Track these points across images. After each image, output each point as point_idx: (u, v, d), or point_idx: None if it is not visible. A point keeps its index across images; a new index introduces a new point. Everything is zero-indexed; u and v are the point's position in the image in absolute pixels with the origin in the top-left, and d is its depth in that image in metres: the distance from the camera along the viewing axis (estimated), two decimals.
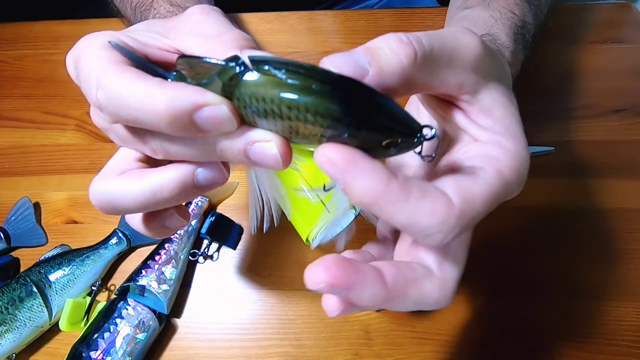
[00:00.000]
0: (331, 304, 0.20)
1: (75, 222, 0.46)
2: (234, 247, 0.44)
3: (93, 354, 0.35)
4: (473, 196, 0.18)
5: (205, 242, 0.44)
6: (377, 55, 0.17)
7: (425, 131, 0.17)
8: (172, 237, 0.42)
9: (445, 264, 0.21)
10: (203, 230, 0.43)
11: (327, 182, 0.31)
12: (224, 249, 0.44)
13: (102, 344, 0.36)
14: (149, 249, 0.44)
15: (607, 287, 0.40)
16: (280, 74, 0.16)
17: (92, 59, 0.18)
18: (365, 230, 0.43)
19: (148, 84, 0.16)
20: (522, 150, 0.20)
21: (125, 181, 0.19)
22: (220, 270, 0.43)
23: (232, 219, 0.45)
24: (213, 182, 0.20)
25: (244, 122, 0.17)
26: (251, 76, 0.16)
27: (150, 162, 0.21)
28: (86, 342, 0.36)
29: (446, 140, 0.24)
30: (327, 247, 0.43)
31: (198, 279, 0.43)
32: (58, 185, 0.48)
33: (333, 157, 0.16)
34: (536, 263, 0.41)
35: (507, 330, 0.38)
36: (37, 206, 0.47)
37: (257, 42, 0.56)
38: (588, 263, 0.41)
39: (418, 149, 0.18)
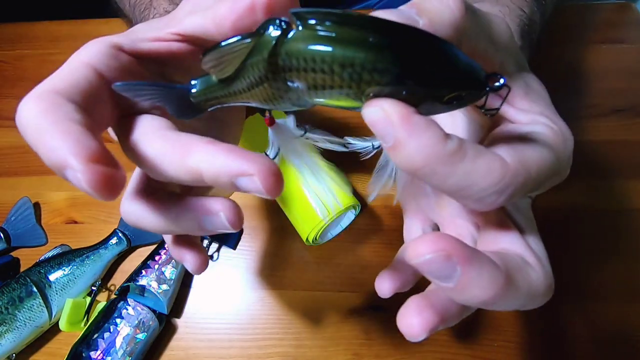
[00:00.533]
0: (416, 322, 0.17)
1: (75, 222, 0.46)
2: (234, 247, 0.44)
3: (93, 354, 0.35)
4: (527, 159, 0.17)
5: (205, 242, 0.44)
6: (424, 6, 0.16)
7: (493, 81, 0.15)
8: None
9: (533, 245, 0.20)
10: None
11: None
12: (224, 249, 0.44)
13: (102, 344, 0.36)
14: (149, 249, 0.44)
15: (607, 288, 0.40)
16: (331, 28, 0.13)
17: (45, 80, 0.18)
18: (366, 230, 0.44)
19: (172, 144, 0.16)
20: (565, 129, 0.20)
21: (145, 209, 0.20)
22: (220, 270, 0.43)
23: None
24: (220, 228, 0.19)
25: (289, 89, 0.15)
26: (298, 35, 0.14)
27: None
28: (86, 342, 0.36)
29: (485, 128, 0.24)
30: (327, 247, 0.43)
31: (198, 279, 0.43)
32: (58, 185, 0.48)
33: (389, 109, 0.14)
34: None
35: (507, 330, 0.38)
36: (37, 206, 0.47)
37: None
38: (587, 263, 0.41)
39: (481, 101, 0.17)
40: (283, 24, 0.14)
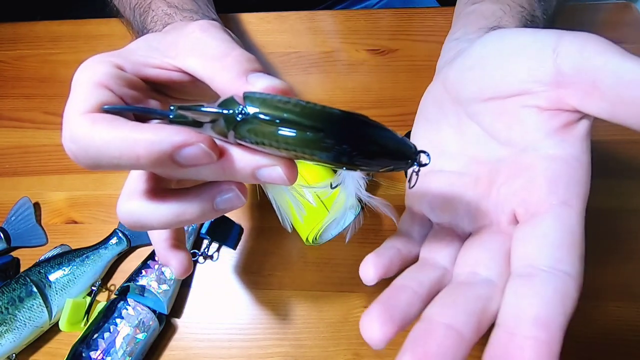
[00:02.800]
0: (378, 333, 0.22)
1: (75, 222, 0.46)
2: (234, 247, 0.44)
3: (93, 354, 0.35)
4: None
5: (205, 242, 0.44)
6: None
7: (422, 159, 0.19)
8: None
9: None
10: (203, 231, 0.43)
11: (333, 180, 0.32)
12: (224, 249, 0.44)
13: (102, 344, 0.36)
14: (149, 249, 0.44)
15: (607, 288, 0.40)
16: (276, 122, 0.17)
17: (69, 104, 0.18)
18: (366, 230, 0.43)
19: (124, 131, 0.17)
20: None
21: (150, 205, 0.20)
22: (220, 270, 0.43)
23: (232, 219, 0.45)
24: (231, 207, 0.21)
25: (286, 160, 0.19)
26: (254, 123, 0.17)
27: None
28: (86, 342, 0.36)
29: None
30: (327, 247, 0.43)
31: (198, 279, 0.43)
32: (58, 185, 0.48)
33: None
34: None
35: None
36: (37, 206, 0.47)
37: (257, 44, 0.56)
38: (587, 263, 0.41)
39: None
40: (242, 113, 0.17)
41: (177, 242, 0.26)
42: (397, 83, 0.52)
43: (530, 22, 0.34)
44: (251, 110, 0.17)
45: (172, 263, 0.25)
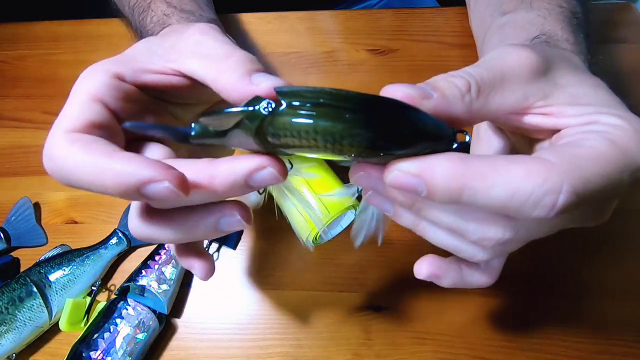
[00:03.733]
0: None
1: (75, 222, 0.46)
2: (234, 247, 0.44)
3: (93, 354, 0.35)
4: (576, 157, 0.17)
5: (205, 242, 0.44)
6: (436, 84, 0.18)
7: (459, 137, 0.18)
8: None
9: None
10: None
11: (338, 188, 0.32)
12: (224, 249, 0.44)
13: (102, 344, 0.36)
14: (149, 249, 0.44)
15: (607, 288, 0.40)
16: (312, 108, 0.16)
17: (58, 118, 0.19)
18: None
19: (95, 158, 0.17)
20: (630, 118, 0.18)
21: (165, 224, 0.20)
22: (220, 270, 0.43)
23: None
24: (235, 228, 0.20)
25: (274, 156, 0.18)
26: (284, 113, 0.16)
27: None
28: (86, 342, 0.36)
29: (521, 151, 0.24)
30: (327, 247, 0.43)
31: (198, 279, 0.43)
32: (58, 185, 0.48)
33: (407, 168, 0.17)
34: (537, 264, 0.41)
35: (507, 330, 0.38)
36: (37, 206, 0.47)
37: (257, 44, 0.56)
38: (588, 263, 0.41)
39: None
40: (271, 105, 0.16)
41: (194, 244, 0.26)
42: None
43: (574, 18, 0.32)
44: (284, 102, 0.16)
45: (195, 266, 0.25)
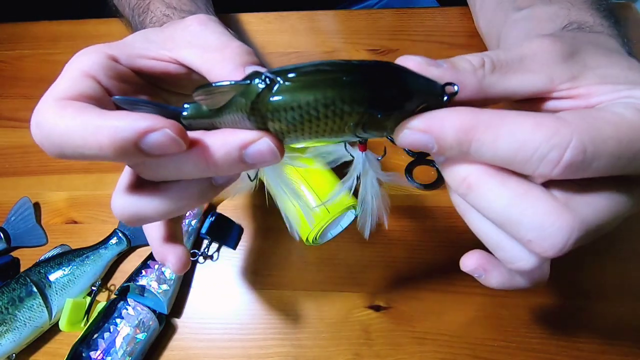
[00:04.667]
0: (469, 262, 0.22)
1: (75, 222, 0.46)
2: (234, 247, 0.44)
3: (93, 354, 0.35)
4: (595, 118, 0.16)
5: (205, 242, 0.44)
6: (450, 59, 0.19)
7: (448, 89, 0.18)
8: None
9: None
10: (203, 230, 0.43)
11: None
12: (224, 249, 0.44)
13: (102, 344, 0.36)
14: (149, 249, 0.44)
15: (607, 288, 0.40)
16: (309, 76, 0.16)
17: (49, 89, 0.18)
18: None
19: (88, 117, 0.16)
20: None
21: (144, 195, 0.19)
22: (220, 270, 0.43)
23: (232, 219, 0.45)
24: (232, 180, 0.20)
25: (270, 133, 0.18)
26: (282, 88, 0.16)
27: None
28: (86, 342, 0.36)
29: None
30: (327, 247, 0.43)
31: (198, 279, 0.43)
32: (58, 185, 0.48)
33: (416, 125, 0.17)
34: None
35: (507, 330, 0.38)
36: (37, 206, 0.47)
37: (257, 44, 0.56)
38: (587, 263, 0.41)
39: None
40: (267, 79, 0.16)
41: (173, 238, 0.25)
42: None
43: (600, 6, 0.31)
44: (280, 79, 0.16)
45: (169, 258, 0.25)
